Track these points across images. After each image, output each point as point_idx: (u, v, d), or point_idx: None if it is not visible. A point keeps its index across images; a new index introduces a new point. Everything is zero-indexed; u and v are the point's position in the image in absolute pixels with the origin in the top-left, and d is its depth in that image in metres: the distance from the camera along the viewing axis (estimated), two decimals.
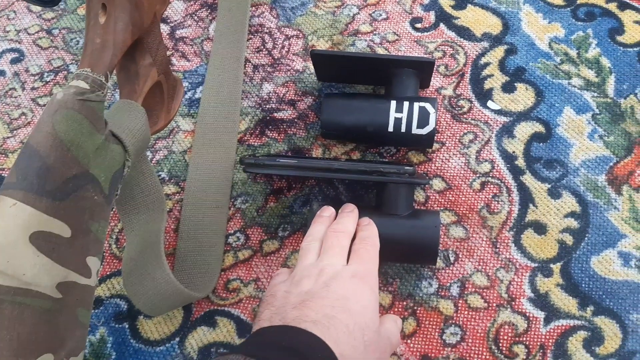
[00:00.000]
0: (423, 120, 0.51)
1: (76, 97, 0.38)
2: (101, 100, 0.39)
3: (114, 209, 0.54)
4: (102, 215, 0.40)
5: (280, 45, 0.61)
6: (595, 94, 0.56)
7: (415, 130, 0.51)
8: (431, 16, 0.62)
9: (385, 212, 0.48)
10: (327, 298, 0.37)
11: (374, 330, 0.38)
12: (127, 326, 0.49)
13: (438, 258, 0.50)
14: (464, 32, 0.60)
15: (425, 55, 0.59)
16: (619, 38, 0.58)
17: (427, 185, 0.53)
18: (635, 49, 0.58)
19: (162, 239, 0.47)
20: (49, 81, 0.62)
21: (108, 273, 0.51)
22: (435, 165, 0.54)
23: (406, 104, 0.51)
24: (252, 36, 0.62)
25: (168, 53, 0.62)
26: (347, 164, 0.48)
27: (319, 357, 0.34)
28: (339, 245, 0.42)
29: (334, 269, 0.40)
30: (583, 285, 0.48)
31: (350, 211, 0.46)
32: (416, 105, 0.51)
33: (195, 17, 0.64)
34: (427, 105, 0.51)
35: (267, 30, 0.62)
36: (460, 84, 0.58)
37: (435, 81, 0.58)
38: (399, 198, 0.48)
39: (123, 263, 0.47)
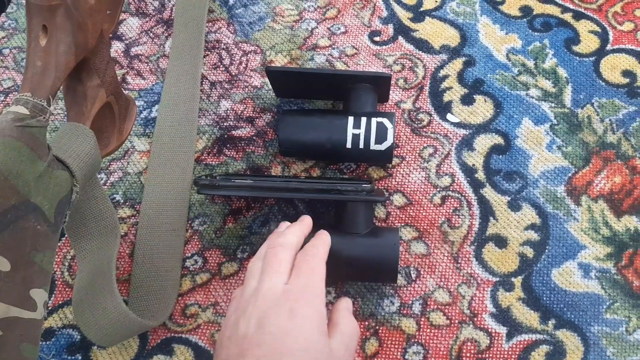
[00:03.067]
0: (381, 136, 0.51)
1: (14, 123, 0.36)
2: (42, 126, 0.38)
3: (66, 236, 0.52)
4: (47, 244, 0.38)
5: (237, 61, 0.60)
6: (553, 105, 0.56)
7: (373, 146, 0.51)
8: (389, 29, 0.61)
9: (344, 230, 0.47)
10: (263, 345, 0.34)
11: (326, 354, 0.36)
12: (80, 358, 0.47)
13: (399, 275, 0.49)
14: (423, 45, 0.60)
15: (382, 70, 0.59)
16: (575, 48, 0.59)
17: (387, 201, 0.53)
18: (590, 58, 0.58)
19: (114, 266, 0.45)
20: None
21: (60, 302, 0.50)
22: (395, 181, 0.54)
23: (364, 119, 0.51)
24: (209, 52, 0.61)
25: (123, 71, 0.61)
26: (304, 184, 0.47)
27: None
28: (277, 260, 0.39)
29: (271, 294, 0.37)
30: (544, 298, 0.48)
31: (298, 222, 0.44)
32: (374, 120, 0.51)
33: (151, 34, 0.63)
34: (385, 121, 0.51)
35: (224, 46, 0.61)
36: (420, 97, 0.57)
37: (395, 95, 0.57)
38: (358, 216, 0.47)
39: (74, 292, 0.45)
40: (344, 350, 0.38)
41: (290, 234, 0.42)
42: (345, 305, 0.43)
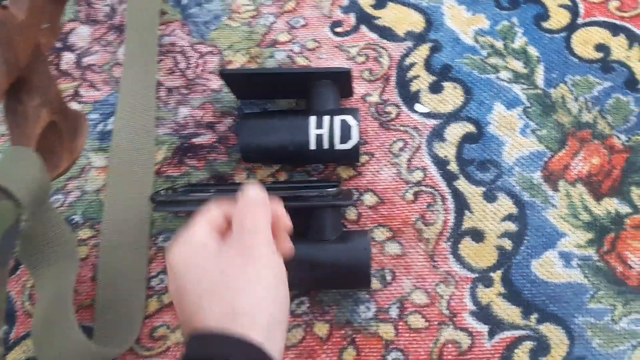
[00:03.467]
0: (345, 135, 0.48)
1: None
2: None
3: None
4: None
5: (194, 64, 0.58)
6: (525, 86, 0.53)
7: (338, 145, 0.48)
8: (351, 18, 0.58)
9: (313, 237, 0.45)
10: None
11: (212, 251, 0.32)
12: None
13: (374, 278, 0.47)
14: (386, 33, 0.57)
15: (345, 63, 0.56)
16: (545, 24, 0.56)
17: (358, 202, 0.50)
18: (561, 34, 0.55)
19: (72, 294, 0.43)
20: None
21: (22, 334, 0.47)
22: (365, 179, 0.51)
23: (326, 118, 0.48)
24: (164, 57, 0.58)
25: (75, 84, 0.58)
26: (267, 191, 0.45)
27: None
28: None
29: None
30: (525, 292, 0.46)
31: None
32: (337, 119, 0.48)
33: (103, 42, 0.60)
34: (349, 118, 0.48)
35: (180, 49, 0.58)
36: (386, 88, 0.55)
37: (360, 88, 0.55)
38: (325, 222, 0.45)
39: (33, 324, 0.43)
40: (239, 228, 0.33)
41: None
42: (241, 201, 0.35)
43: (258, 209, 0.34)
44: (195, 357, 0.28)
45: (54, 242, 0.46)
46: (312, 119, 0.48)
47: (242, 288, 0.29)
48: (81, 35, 0.61)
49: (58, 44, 0.60)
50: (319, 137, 0.48)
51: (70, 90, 0.58)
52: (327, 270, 0.45)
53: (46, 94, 0.44)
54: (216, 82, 0.57)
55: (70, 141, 0.48)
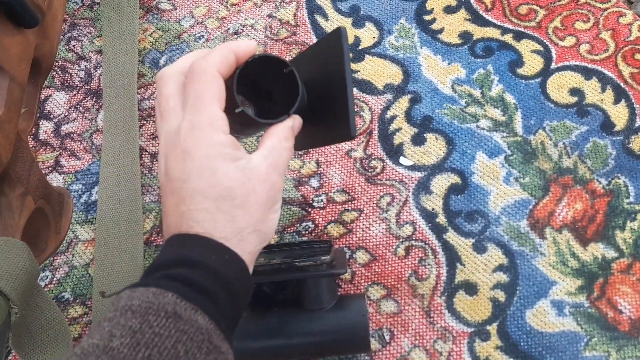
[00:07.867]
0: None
1: None
2: None
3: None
4: None
5: None
6: (505, 134, 0.55)
7: None
8: None
9: (310, 306, 0.45)
10: (172, 192, 0.32)
11: (239, 178, 0.32)
12: None
13: (372, 339, 0.47)
14: (366, 86, 0.58)
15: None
16: (520, 71, 0.57)
17: (351, 260, 0.51)
18: (536, 80, 0.57)
19: None
20: None
21: None
22: (356, 237, 0.52)
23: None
24: (145, 122, 0.58)
25: (55, 153, 0.57)
26: (260, 266, 0.44)
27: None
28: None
29: (167, 137, 0.33)
30: (522, 343, 0.47)
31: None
32: None
33: (81, 108, 0.59)
34: None
35: None
36: (370, 142, 0.55)
37: (345, 143, 0.55)
38: (321, 291, 0.45)
39: None
40: (266, 164, 0.33)
41: (212, 56, 0.33)
42: (277, 130, 0.34)
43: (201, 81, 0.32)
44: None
45: (45, 326, 0.45)
46: None
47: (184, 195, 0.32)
48: (58, 102, 0.60)
49: None
50: None
51: (50, 160, 0.57)
52: (326, 338, 0.45)
53: (28, 180, 0.44)
54: None
55: (55, 222, 0.47)
